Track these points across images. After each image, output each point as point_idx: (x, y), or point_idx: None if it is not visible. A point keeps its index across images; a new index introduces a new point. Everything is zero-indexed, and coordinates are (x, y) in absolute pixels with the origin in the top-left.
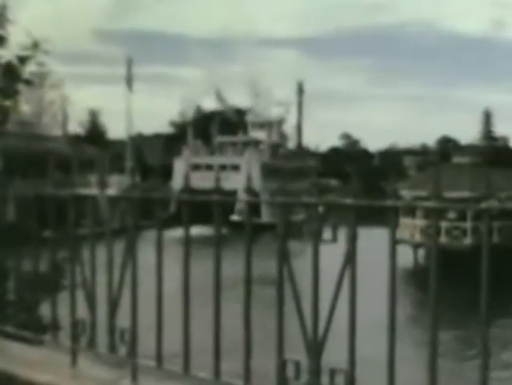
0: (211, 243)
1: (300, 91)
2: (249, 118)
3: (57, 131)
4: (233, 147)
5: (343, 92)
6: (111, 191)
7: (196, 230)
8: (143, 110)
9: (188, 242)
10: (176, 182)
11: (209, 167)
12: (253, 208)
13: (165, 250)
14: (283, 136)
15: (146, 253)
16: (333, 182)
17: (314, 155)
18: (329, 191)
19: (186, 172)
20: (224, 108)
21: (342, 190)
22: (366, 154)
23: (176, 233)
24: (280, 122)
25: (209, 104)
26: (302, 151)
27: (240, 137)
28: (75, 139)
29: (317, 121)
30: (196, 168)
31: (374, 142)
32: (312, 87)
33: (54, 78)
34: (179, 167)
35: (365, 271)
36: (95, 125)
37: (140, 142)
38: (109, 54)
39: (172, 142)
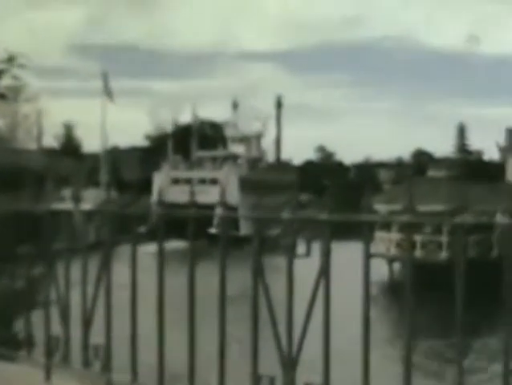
0: (188, 257)
1: (279, 104)
2: (228, 132)
3: (32, 145)
4: (212, 161)
5: (319, 106)
6: (87, 205)
7: (173, 244)
8: (118, 123)
9: (162, 257)
10: (156, 196)
11: (188, 181)
12: (232, 222)
13: (141, 265)
14: (262, 150)
15: (121, 268)
16: (304, 197)
17: (289, 168)
18: (301, 206)
19: (161, 187)
20: (197, 123)
21: (316, 204)
22: (341, 167)
23: (154, 247)
24: (259, 136)
25: (186, 118)
26: (281, 165)
27: (219, 151)
28: (50, 153)
29: (292, 134)
30: (175, 182)
31: (349, 155)
32: (288, 100)
33: (29, 92)
34: (158, 181)
35: (339, 285)
36: (70, 139)
37: (115, 155)
38: (84, 68)
39: (149, 155)
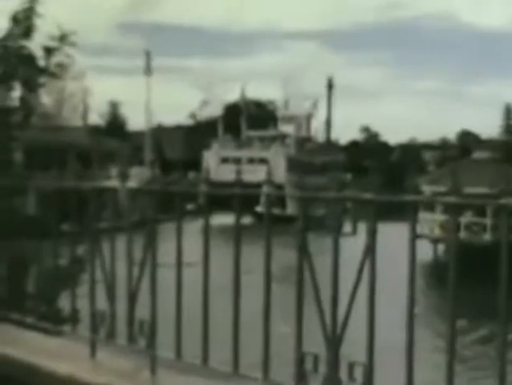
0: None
1: (330, 85)
2: (278, 112)
3: (77, 123)
4: (260, 141)
5: (363, 85)
6: (132, 183)
7: (225, 219)
8: (163, 101)
9: (207, 234)
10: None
11: (237, 160)
12: (278, 201)
13: (189, 240)
14: (311, 131)
15: (167, 244)
16: (348, 177)
17: (337, 149)
18: (346, 186)
19: (209, 165)
20: (245, 102)
21: (360, 184)
22: (385, 148)
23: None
24: (309, 116)
25: (233, 97)
26: (330, 146)
27: (268, 131)
28: (95, 131)
29: (337, 114)
30: (225, 161)
31: (394, 136)
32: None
33: (76, 69)
34: (208, 160)
35: (385, 265)
36: (115, 117)
37: (159, 134)
38: (130, 46)
39: (193, 134)
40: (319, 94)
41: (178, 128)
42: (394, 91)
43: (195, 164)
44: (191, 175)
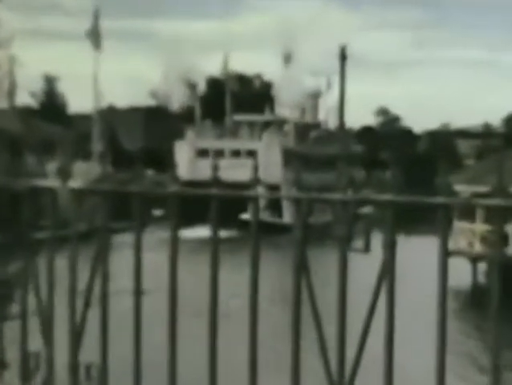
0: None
1: (343, 56)
2: (275, 90)
3: (2, 104)
4: (250, 128)
5: (381, 55)
6: (76, 182)
7: (199, 232)
8: (116, 76)
9: (174, 251)
10: (180, 172)
11: (219, 153)
12: (273, 206)
13: (156, 256)
14: (318, 115)
15: (124, 261)
16: (360, 173)
17: (351, 138)
18: (357, 185)
19: (182, 160)
20: (228, 78)
21: (376, 183)
22: (409, 136)
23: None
24: (315, 96)
25: (212, 69)
26: (343, 134)
27: (259, 116)
28: (26, 114)
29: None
30: (202, 153)
31: (419, 120)
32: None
33: (1, 34)
34: (182, 153)
35: (406, 291)
36: (52, 95)
37: (111, 118)
38: (75, 4)
39: (156, 119)
40: (327, 67)
41: (135, 111)
42: (421, 62)
43: (160, 157)
44: (151, 172)
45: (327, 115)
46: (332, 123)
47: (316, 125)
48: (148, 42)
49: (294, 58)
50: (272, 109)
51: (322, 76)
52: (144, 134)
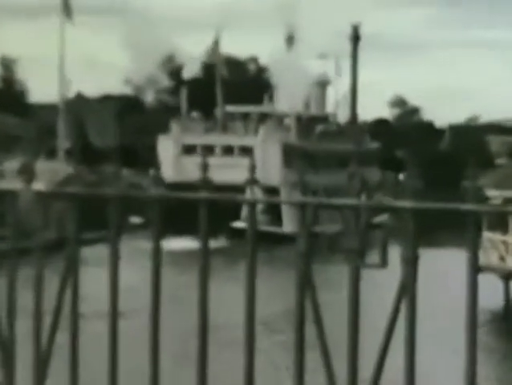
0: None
1: (356, 37)
2: (275, 78)
3: None
4: (244, 121)
5: (398, 35)
6: (39, 184)
7: (184, 243)
8: (85, 59)
9: (157, 266)
10: (164, 172)
11: (208, 149)
12: (273, 212)
13: (137, 272)
14: (325, 106)
15: (94, 279)
16: (379, 174)
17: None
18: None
19: (165, 158)
20: (219, 61)
21: (392, 186)
22: (430, 130)
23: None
24: (322, 83)
25: (196, 50)
26: (356, 128)
27: (255, 107)
28: None
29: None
30: (189, 150)
31: (442, 112)
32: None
33: None
34: (166, 149)
35: (429, 312)
36: (9, 81)
37: (80, 108)
38: None
39: (131, 108)
40: (336, 50)
41: (108, 100)
42: (442, 44)
43: (138, 154)
44: (127, 172)
45: (336, 106)
46: (342, 115)
47: (323, 118)
48: (125, 19)
49: (297, 38)
50: (270, 99)
51: (330, 60)
52: (119, 127)
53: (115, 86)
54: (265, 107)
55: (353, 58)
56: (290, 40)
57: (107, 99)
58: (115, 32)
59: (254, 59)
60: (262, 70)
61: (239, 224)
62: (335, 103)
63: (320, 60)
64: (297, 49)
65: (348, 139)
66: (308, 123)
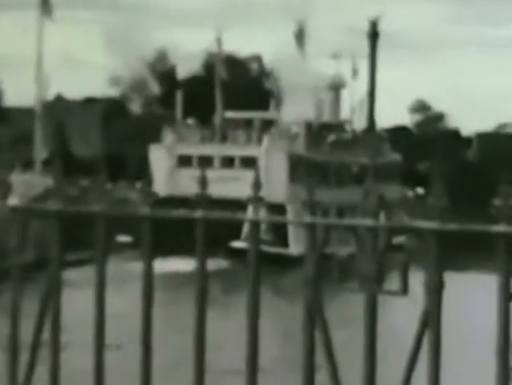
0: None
1: (374, 33)
2: (281, 80)
3: None
4: (247, 128)
5: (417, 33)
6: (15, 200)
7: (177, 265)
8: (66, 58)
9: (149, 285)
10: (157, 185)
11: (205, 160)
12: (276, 231)
13: (124, 295)
14: (339, 112)
15: (77, 306)
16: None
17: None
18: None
19: (158, 170)
20: (220, 61)
21: (413, 203)
22: (456, 139)
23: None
24: (336, 86)
25: (198, 48)
26: (374, 138)
27: (259, 113)
28: None
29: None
30: (184, 161)
31: (470, 119)
32: (364, 23)
33: None
34: (159, 160)
35: (456, 343)
36: None
37: (60, 112)
38: None
39: (118, 113)
40: (351, 48)
41: (92, 103)
42: (469, 42)
43: (126, 166)
44: (113, 186)
45: (351, 111)
46: (358, 122)
47: (337, 125)
48: (111, 13)
49: (307, 35)
50: (276, 104)
51: (344, 60)
52: (104, 134)
53: (99, 87)
54: (269, 114)
55: (371, 58)
56: (300, 37)
57: (90, 102)
58: (100, 28)
59: (257, 58)
60: (266, 71)
61: (240, 244)
62: (351, 109)
63: (333, 60)
64: (307, 47)
65: (365, 149)
66: (319, 131)
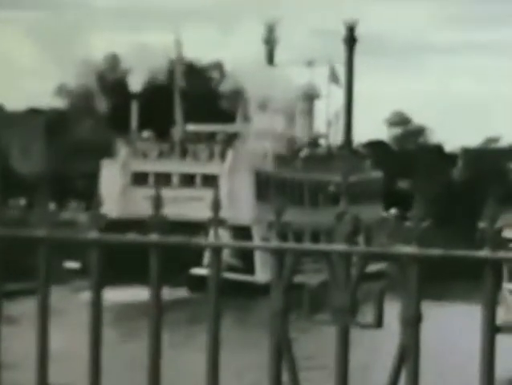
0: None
1: (351, 39)
2: (251, 90)
3: None
4: (208, 143)
5: (398, 37)
6: None
7: (133, 293)
8: (6, 63)
9: (97, 317)
10: (109, 206)
11: (164, 178)
12: (243, 257)
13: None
14: (312, 125)
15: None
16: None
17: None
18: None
19: (109, 189)
20: (180, 68)
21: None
22: (440, 155)
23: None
24: (310, 96)
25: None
26: (351, 153)
27: (222, 126)
28: None
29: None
30: (139, 179)
31: (455, 133)
32: (338, 25)
33: None
34: (111, 178)
35: (435, 381)
36: None
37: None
38: None
39: (64, 126)
40: (325, 53)
41: (35, 115)
42: (455, 48)
43: (72, 184)
44: (56, 207)
45: (327, 124)
46: (334, 136)
47: (310, 140)
48: (56, 13)
49: (277, 39)
50: (244, 116)
51: (319, 68)
52: (48, 149)
53: (43, 97)
54: (234, 127)
55: (348, 66)
56: (269, 40)
57: (32, 114)
58: (44, 31)
59: (218, 66)
60: (228, 80)
61: (200, 270)
62: (327, 122)
63: (308, 67)
64: (277, 53)
65: (341, 166)
66: (289, 145)
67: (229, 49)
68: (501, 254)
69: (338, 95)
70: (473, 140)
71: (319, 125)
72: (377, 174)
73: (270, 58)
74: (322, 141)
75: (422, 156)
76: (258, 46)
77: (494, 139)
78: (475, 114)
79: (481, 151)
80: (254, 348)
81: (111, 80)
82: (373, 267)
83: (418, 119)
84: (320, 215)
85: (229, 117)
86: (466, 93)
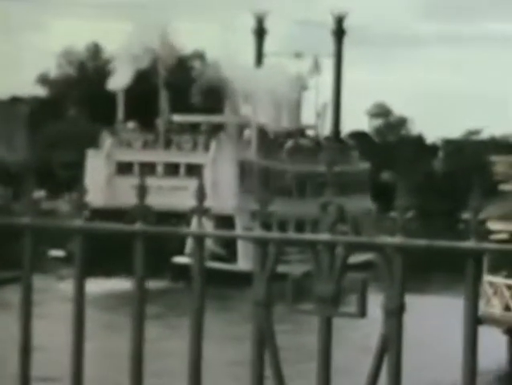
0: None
1: (339, 30)
2: (237, 81)
3: None
4: (193, 133)
5: (381, 28)
6: None
7: (115, 283)
8: None
9: (80, 308)
10: (93, 195)
11: (148, 168)
12: (223, 245)
13: (54, 322)
14: (299, 116)
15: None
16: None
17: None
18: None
19: (93, 178)
20: (166, 57)
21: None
22: (421, 147)
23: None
24: (298, 89)
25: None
26: (339, 145)
27: (206, 116)
28: None
29: (329, 81)
30: (124, 169)
31: (437, 125)
32: (324, 15)
33: None
34: (96, 167)
35: (417, 372)
36: None
37: None
38: None
39: (48, 114)
40: (314, 45)
41: (17, 103)
42: (439, 39)
43: (54, 172)
44: (42, 195)
45: (316, 116)
46: (322, 127)
47: (297, 131)
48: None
49: (265, 30)
50: (234, 107)
51: (306, 58)
52: (32, 138)
53: (25, 85)
54: (218, 117)
55: (337, 57)
56: (259, 31)
57: (15, 102)
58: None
59: (200, 55)
60: (210, 69)
61: (183, 259)
62: (316, 113)
63: (296, 59)
64: (266, 43)
65: (328, 156)
66: (276, 136)
67: (216, 39)
68: (486, 245)
69: (325, 86)
70: (455, 132)
71: (308, 116)
72: (365, 165)
73: (259, 50)
74: (310, 132)
75: (403, 148)
76: (246, 37)
77: (475, 132)
78: (458, 107)
79: (462, 142)
80: (236, 340)
81: (93, 68)
82: (361, 257)
83: (399, 110)
84: (308, 205)
85: (213, 107)
86: (449, 86)
